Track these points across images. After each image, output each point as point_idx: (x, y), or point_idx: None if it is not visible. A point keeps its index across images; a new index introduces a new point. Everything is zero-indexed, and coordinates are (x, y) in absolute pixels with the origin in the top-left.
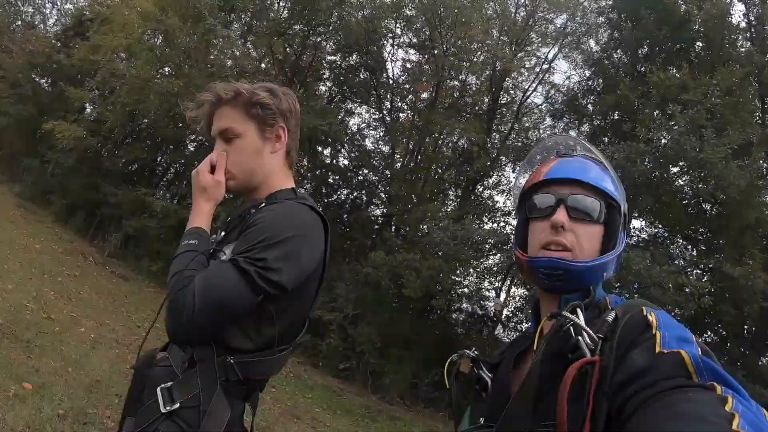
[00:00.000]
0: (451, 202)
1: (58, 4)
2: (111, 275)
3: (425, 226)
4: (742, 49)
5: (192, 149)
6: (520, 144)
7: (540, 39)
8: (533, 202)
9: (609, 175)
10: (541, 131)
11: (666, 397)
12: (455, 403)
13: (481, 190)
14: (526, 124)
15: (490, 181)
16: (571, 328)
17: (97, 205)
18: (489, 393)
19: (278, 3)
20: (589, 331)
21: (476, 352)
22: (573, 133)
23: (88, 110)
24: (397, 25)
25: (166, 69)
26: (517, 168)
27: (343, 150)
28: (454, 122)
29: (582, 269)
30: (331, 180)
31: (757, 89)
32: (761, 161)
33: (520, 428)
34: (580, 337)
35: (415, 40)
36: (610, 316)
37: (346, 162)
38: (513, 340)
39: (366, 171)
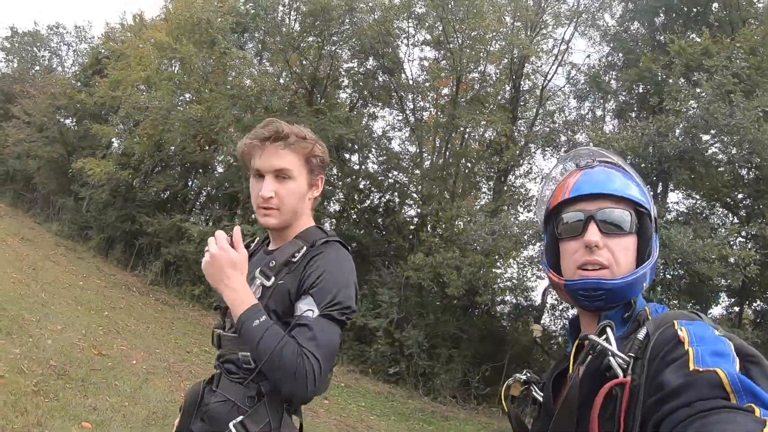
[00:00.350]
0: (483, 195)
1: (73, 45)
2: (155, 303)
3: (460, 222)
4: (760, 5)
5: (221, 170)
6: (547, 129)
7: (554, 20)
8: (561, 221)
9: (633, 179)
10: (566, 114)
11: (703, 419)
12: (514, 425)
13: (512, 180)
14: (551, 108)
15: (521, 170)
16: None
17: (134, 236)
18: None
19: (289, 18)
20: (619, 354)
21: (528, 374)
22: (599, 112)
23: (115, 144)
24: (410, 24)
25: (187, 95)
26: (539, 185)
27: (370, 155)
28: (479, 115)
29: (621, 286)
30: (362, 186)
31: None
32: None
33: None
34: (611, 358)
35: (429, 37)
36: (641, 334)
37: (375, 166)
38: (558, 360)
39: (396, 173)
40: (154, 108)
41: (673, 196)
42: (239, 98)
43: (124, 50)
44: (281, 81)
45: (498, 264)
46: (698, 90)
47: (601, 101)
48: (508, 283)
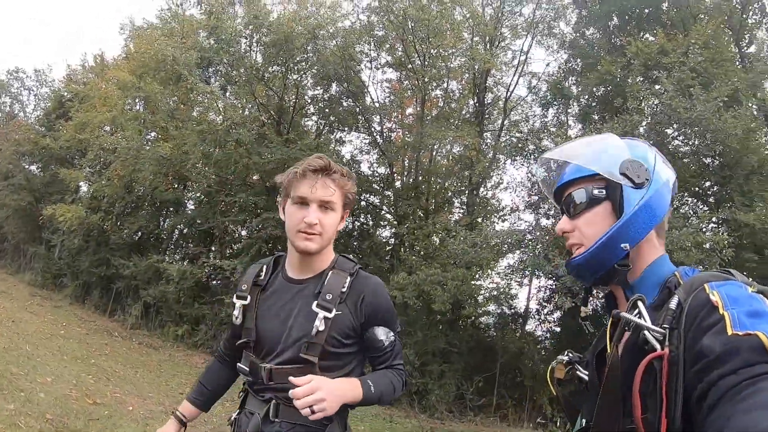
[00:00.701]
0: (456, 210)
1: (34, 89)
2: (139, 347)
3: (437, 238)
4: (708, 0)
5: (192, 207)
6: (514, 139)
7: (512, 32)
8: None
9: (582, 155)
10: (531, 122)
11: (750, 386)
12: (566, 408)
13: (484, 192)
14: (516, 118)
15: (492, 182)
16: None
17: (110, 280)
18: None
19: (251, 50)
20: (652, 328)
21: (569, 355)
22: (563, 118)
23: (84, 188)
24: (371, 48)
25: (152, 134)
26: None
27: None
28: (445, 131)
29: (585, 259)
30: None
31: (730, 35)
32: (750, 105)
33: (609, 428)
34: (646, 332)
35: (390, 59)
36: (673, 303)
37: None
38: (599, 337)
39: (368, 195)
40: (122, 148)
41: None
42: (208, 133)
43: (87, 92)
44: (247, 113)
45: (477, 276)
46: (657, 87)
47: (564, 107)
48: (494, 293)
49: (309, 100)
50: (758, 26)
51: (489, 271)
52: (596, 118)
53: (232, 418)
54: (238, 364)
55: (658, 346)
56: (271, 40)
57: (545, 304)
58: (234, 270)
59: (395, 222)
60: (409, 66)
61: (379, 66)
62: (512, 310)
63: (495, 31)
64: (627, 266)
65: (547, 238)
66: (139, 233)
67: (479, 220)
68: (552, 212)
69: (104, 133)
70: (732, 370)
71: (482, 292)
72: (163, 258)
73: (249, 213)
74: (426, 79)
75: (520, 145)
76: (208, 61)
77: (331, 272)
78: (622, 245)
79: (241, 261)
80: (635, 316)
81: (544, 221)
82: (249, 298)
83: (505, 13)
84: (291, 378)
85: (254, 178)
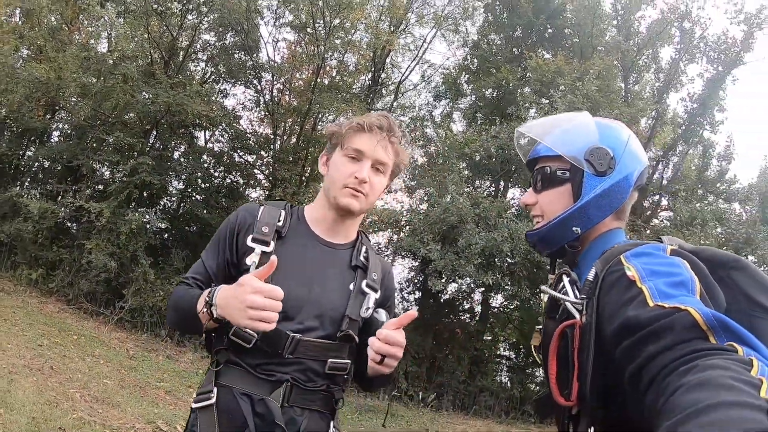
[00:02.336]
0: None
1: None
2: None
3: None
4: (609, 36)
5: (57, 140)
6: (399, 122)
7: (418, 19)
8: None
9: (553, 134)
10: (418, 108)
11: (687, 364)
12: (544, 374)
13: None
14: (404, 103)
15: None
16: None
17: None
18: None
19: None
20: (569, 299)
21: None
22: (452, 113)
23: None
24: (277, 4)
25: (25, 51)
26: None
27: (217, 133)
28: (334, 102)
29: (541, 233)
30: (206, 165)
31: (620, 71)
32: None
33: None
34: (567, 304)
35: (293, 20)
36: (591, 274)
37: (220, 145)
38: None
39: (242, 153)
40: None
41: (515, 192)
42: (92, 62)
43: None
44: (133, 46)
45: None
46: (544, 101)
47: (453, 102)
48: None
49: (201, 45)
50: (647, 69)
51: None
52: (481, 116)
53: (206, 402)
54: (236, 327)
55: (577, 314)
56: None
57: (406, 284)
58: (100, 214)
59: (267, 185)
60: (310, 30)
61: (281, 24)
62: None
63: (404, 15)
64: (576, 247)
65: (421, 223)
66: None
67: None
68: (428, 200)
69: None
70: (667, 346)
71: None
72: (21, 192)
73: (122, 154)
74: (325, 47)
75: (405, 129)
76: None
77: (365, 246)
78: (574, 228)
79: (109, 205)
80: (561, 290)
81: (422, 206)
82: (272, 244)
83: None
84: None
85: (131, 116)
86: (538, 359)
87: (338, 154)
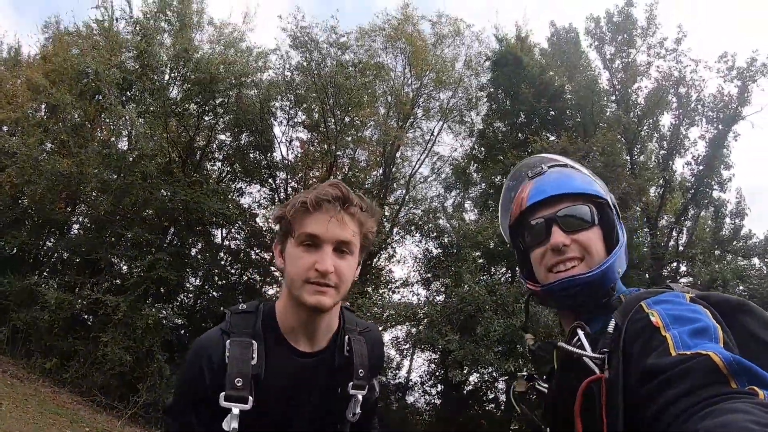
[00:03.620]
0: None
1: None
2: (3, 375)
3: None
4: (609, 112)
5: (77, 233)
6: (411, 216)
7: (424, 114)
8: (525, 231)
9: (586, 175)
10: (430, 200)
11: (707, 408)
12: (530, 422)
13: (378, 263)
14: (416, 196)
15: (386, 254)
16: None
17: None
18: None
19: (174, 83)
20: (589, 354)
21: (528, 371)
22: (460, 201)
23: None
24: (289, 104)
25: (49, 145)
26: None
27: (234, 231)
28: None
29: (596, 276)
30: (223, 262)
31: (625, 145)
32: (636, 207)
33: None
34: (586, 359)
35: (305, 119)
36: (611, 327)
37: (237, 242)
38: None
39: (258, 250)
40: (22, 155)
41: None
42: (113, 159)
43: None
44: (153, 145)
45: None
46: None
47: (464, 191)
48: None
49: (218, 145)
50: (650, 138)
51: None
52: (492, 204)
53: None
54: None
55: (597, 370)
56: (196, 78)
57: (427, 377)
58: (117, 307)
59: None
60: (323, 129)
61: (293, 124)
62: (396, 381)
63: (411, 110)
64: (612, 295)
65: (439, 315)
66: (16, 249)
67: (369, 289)
68: (444, 291)
69: (3, 132)
70: (686, 391)
71: None
72: (39, 281)
73: (140, 250)
74: (337, 145)
75: (419, 222)
76: (128, 83)
77: (348, 336)
78: (619, 269)
79: (126, 299)
80: (576, 344)
81: (438, 297)
82: (250, 399)
83: (423, 95)
84: None
85: (149, 212)
86: (518, 408)
87: (291, 243)
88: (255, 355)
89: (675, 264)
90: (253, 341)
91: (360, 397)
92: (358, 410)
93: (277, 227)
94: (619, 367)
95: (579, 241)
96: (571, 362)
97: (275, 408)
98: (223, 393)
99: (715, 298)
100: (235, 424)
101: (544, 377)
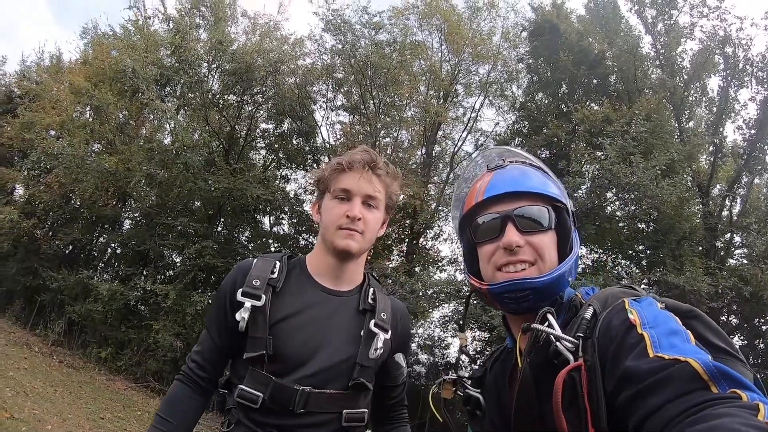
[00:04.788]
0: (395, 257)
1: None
2: (60, 365)
3: None
4: (654, 76)
5: (129, 227)
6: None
7: (465, 90)
8: (477, 225)
9: (548, 176)
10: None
11: (693, 416)
12: (453, 427)
13: (423, 242)
14: (462, 173)
15: (432, 233)
16: (551, 336)
17: (35, 291)
18: (485, 408)
19: (211, 75)
20: (566, 337)
21: (454, 375)
22: None
23: (20, 191)
24: (329, 89)
25: (96, 145)
26: (451, 191)
27: (283, 217)
28: None
29: (548, 282)
30: (272, 249)
31: (672, 111)
32: (685, 175)
33: None
34: (558, 344)
35: (345, 102)
36: (588, 313)
37: (286, 229)
38: (493, 351)
39: (307, 235)
40: (67, 155)
41: (582, 249)
42: (156, 153)
43: (38, 91)
44: (197, 137)
45: (411, 324)
46: (600, 153)
47: None
48: (428, 342)
49: (260, 133)
50: (698, 104)
51: (423, 320)
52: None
53: None
54: (240, 386)
55: (570, 356)
56: (232, 68)
57: (477, 356)
58: (167, 296)
59: None
60: (363, 111)
61: (333, 108)
62: (445, 360)
63: (450, 87)
64: (559, 303)
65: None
66: (71, 246)
67: (417, 269)
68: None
69: (50, 136)
70: (668, 399)
71: (416, 340)
72: (92, 275)
73: (187, 239)
74: (378, 126)
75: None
76: (166, 79)
77: (372, 288)
78: (569, 278)
79: (175, 287)
80: (546, 327)
81: None
82: (263, 298)
83: (462, 71)
84: None
85: (196, 204)
86: (438, 415)
87: (327, 198)
88: (276, 270)
89: (729, 235)
90: (277, 262)
91: (382, 338)
92: (380, 347)
93: (315, 188)
94: (594, 354)
95: (532, 243)
96: (538, 352)
97: (292, 322)
98: (240, 289)
99: (669, 304)
100: (245, 315)
101: (472, 381)
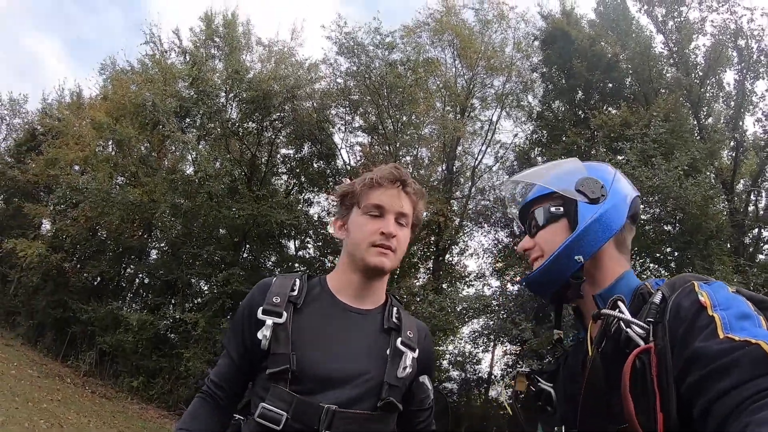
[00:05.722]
0: (421, 275)
1: (7, 119)
2: (93, 396)
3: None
4: (668, 75)
5: (156, 257)
6: (480, 207)
7: (482, 104)
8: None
9: (544, 176)
10: (497, 191)
11: (758, 401)
12: (524, 422)
13: (449, 258)
14: (483, 186)
15: (458, 248)
16: (621, 323)
17: (66, 323)
18: (557, 403)
19: (229, 104)
20: (636, 321)
21: (528, 368)
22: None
23: (47, 226)
24: (346, 111)
25: (120, 179)
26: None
27: (309, 240)
28: None
29: (541, 271)
30: (298, 272)
31: (690, 108)
32: (708, 173)
33: None
34: (629, 329)
35: (363, 123)
36: (657, 298)
37: (311, 252)
38: (570, 346)
39: (333, 257)
40: (92, 189)
41: None
42: (179, 183)
43: (61, 128)
44: (218, 165)
45: (441, 341)
46: (620, 157)
47: None
48: (458, 359)
49: (281, 159)
50: (715, 99)
51: (453, 336)
52: None
53: None
54: (263, 404)
55: (641, 342)
56: (250, 96)
57: (510, 369)
58: (196, 324)
59: None
60: (381, 131)
61: (352, 129)
62: (476, 376)
63: (466, 101)
64: (581, 278)
65: (512, 304)
66: (99, 278)
67: (444, 285)
68: (517, 279)
69: (74, 171)
70: (736, 383)
71: (447, 356)
72: (122, 306)
73: (214, 267)
74: (397, 145)
75: (487, 213)
76: (186, 110)
77: (396, 307)
78: (576, 257)
79: (204, 315)
80: (617, 313)
81: (510, 287)
82: (285, 315)
83: (477, 84)
84: None
85: (222, 232)
86: (511, 411)
87: (356, 213)
88: (296, 288)
89: (756, 230)
90: (297, 279)
91: (410, 356)
92: (408, 365)
93: (338, 203)
94: (665, 338)
95: (539, 241)
96: (609, 338)
97: (314, 339)
98: (261, 307)
99: (744, 293)
100: (267, 333)
101: (546, 375)
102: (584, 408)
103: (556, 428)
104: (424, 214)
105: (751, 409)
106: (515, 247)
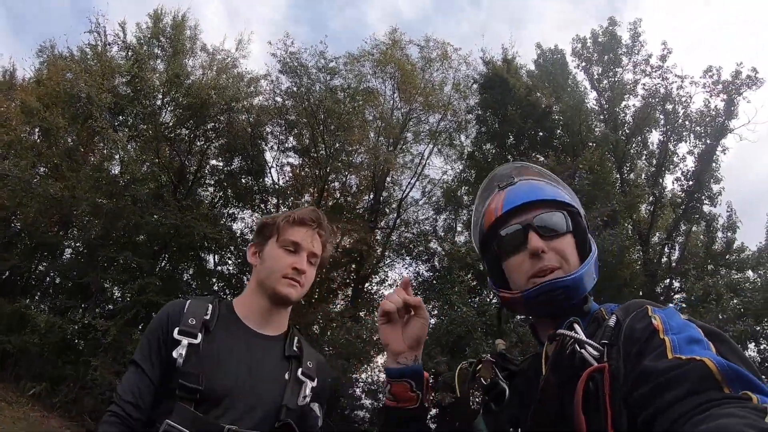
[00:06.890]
0: (339, 302)
1: None
2: None
3: (315, 327)
4: (597, 131)
5: (69, 257)
6: (402, 239)
7: (414, 138)
8: (501, 238)
9: (559, 185)
10: (422, 225)
11: (701, 414)
12: (469, 409)
13: (369, 287)
14: (407, 219)
15: (378, 278)
16: (576, 345)
17: None
18: (504, 406)
19: (166, 108)
20: (591, 342)
21: (495, 358)
22: (452, 224)
23: None
24: (281, 131)
25: (42, 168)
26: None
27: (229, 256)
28: (339, 223)
29: (576, 279)
30: (216, 288)
31: (614, 163)
32: (627, 225)
33: None
34: (583, 350)
35: (296, 144)
36: (612, 321)
37: (231, 268)
38: (531, 355)
39: (250, 276)
40: (13, 177)
41: None
42: (104, 183)
43: None
44: (145, 169)
45: (354, 369)
46: None
47: (455, 214)
48: (372, 387)
49: (210, 170)
50: (639, 156)
51: (367, 365)
52: None
53: None
54: (168, 421)
55: (595, 362)
56: (186, 102)
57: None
58: (107, 332)
59: None
60: (314, 154)
61: (284, 149)
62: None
63: (400, 134)
64: (587, 301)
65: (427, 338)
66: (8, 272)
67: (361, 313)
68: (435, 312)
69: None
70: (680, 397)
71: (360, 384)
72: (30, 305)
73: (130, 274)
74: (328, 169)
75: (410, 245)
76: (120, 108)
77: (297, 337)
78: (595, 276)
79: (116, 323)
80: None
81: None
82: (199, 336)
83: (413, 119)
84: None
85: (141, 238)
86: (459, 392)
87: (273, 245)
88: (209, 312)
89: (668, 280)
90: (210, 304)
91: (309, 386)
92: (308, 394)
93: (257, 231)
94: (619, 360)
95: (555, 248)
96: (563, 358)
97: (222, 362)
98: (177, 328)
99: (695, 323)
100: (182, 351)
101: (506, 373)
102: (535, 424)
103: (511, 429)
104: (347, 240)
105: (693, 422)
106: (434, 282)
